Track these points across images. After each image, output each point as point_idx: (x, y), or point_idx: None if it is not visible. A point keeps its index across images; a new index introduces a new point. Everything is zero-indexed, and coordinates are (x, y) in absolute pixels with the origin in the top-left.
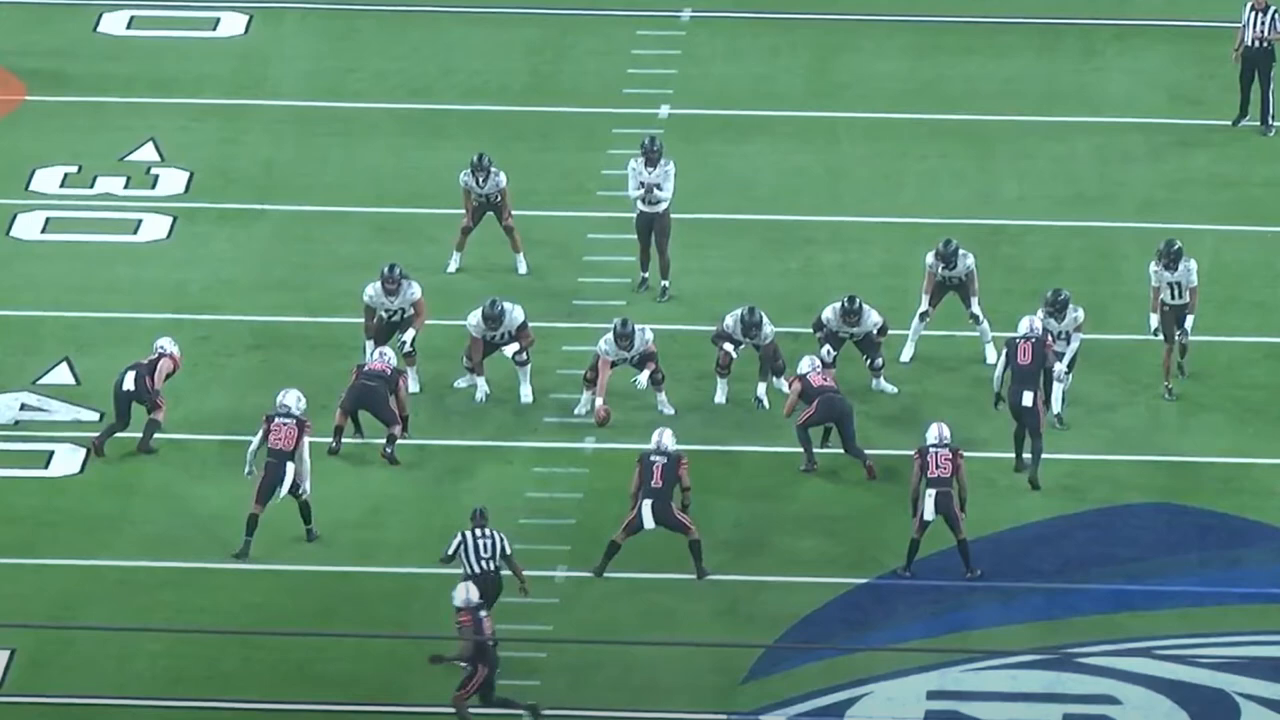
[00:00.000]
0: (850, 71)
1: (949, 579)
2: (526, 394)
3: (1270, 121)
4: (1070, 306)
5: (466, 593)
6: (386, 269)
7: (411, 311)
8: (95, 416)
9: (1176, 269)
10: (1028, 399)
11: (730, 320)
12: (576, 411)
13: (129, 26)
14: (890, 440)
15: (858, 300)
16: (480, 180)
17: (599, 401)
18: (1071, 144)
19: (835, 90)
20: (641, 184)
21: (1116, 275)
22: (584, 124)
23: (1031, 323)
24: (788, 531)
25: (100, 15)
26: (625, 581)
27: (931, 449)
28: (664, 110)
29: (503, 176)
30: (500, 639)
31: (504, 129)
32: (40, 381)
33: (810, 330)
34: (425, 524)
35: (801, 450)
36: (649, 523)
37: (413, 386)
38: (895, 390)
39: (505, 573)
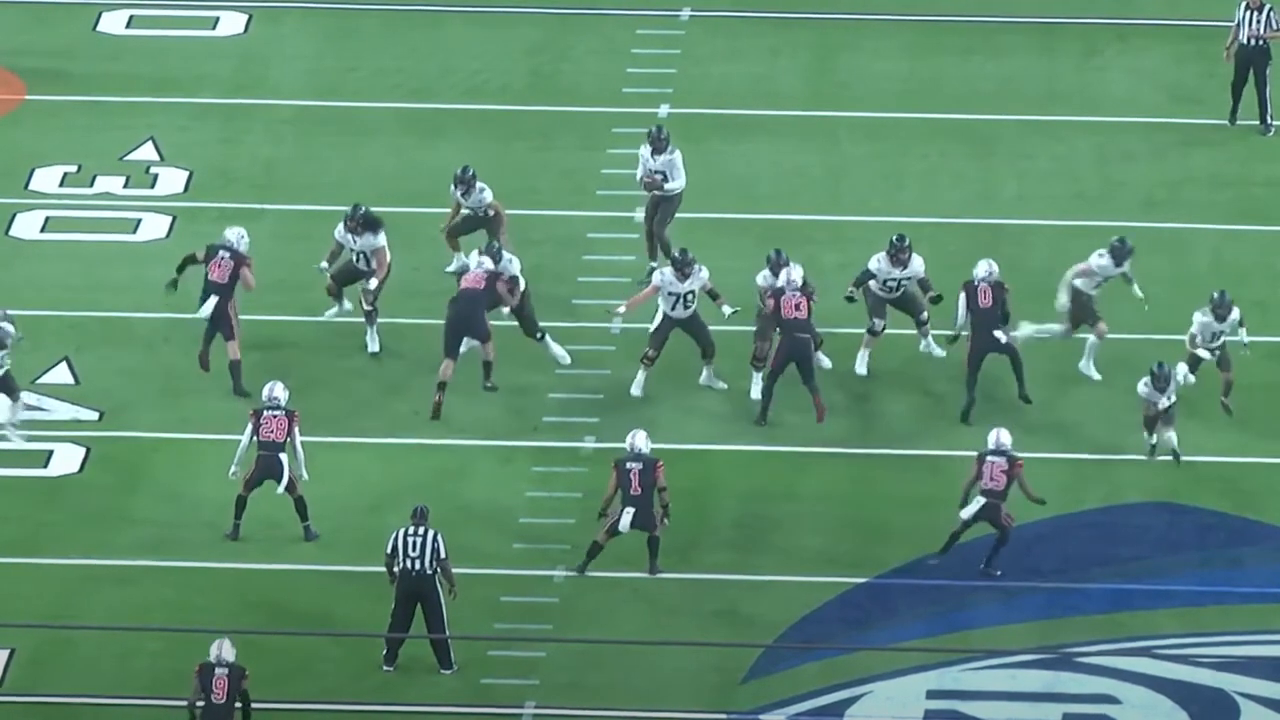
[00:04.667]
0: (850, 71)
1: (949, 578)
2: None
3: (1269, 121)
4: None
5: (219, 650)
6: (351, 208)
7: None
8: (94, 416)
9: (1225, 320)
10: (1000, 335)
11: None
12: (634, 392)
13: (128, 26)
14: (895, 440)
15: (906, 239)
16: (463, 193)
17: (621, 308)
18: (1072, 143)
19: (835, 90)
20: (648, 171)
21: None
22: (584, 123)
23: (989, 266)
24: (787, 531)
25: (100, 14)
26: (625, 581)
27: (989, 458)
28: (664, 110)
29: (488, 193)
30: (499, 637)
31: (504, 128)
32: (40, 380)
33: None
34: None
35: (760, 402)
36: (625, 528)
37: (372, 346)
38: (943, 353)
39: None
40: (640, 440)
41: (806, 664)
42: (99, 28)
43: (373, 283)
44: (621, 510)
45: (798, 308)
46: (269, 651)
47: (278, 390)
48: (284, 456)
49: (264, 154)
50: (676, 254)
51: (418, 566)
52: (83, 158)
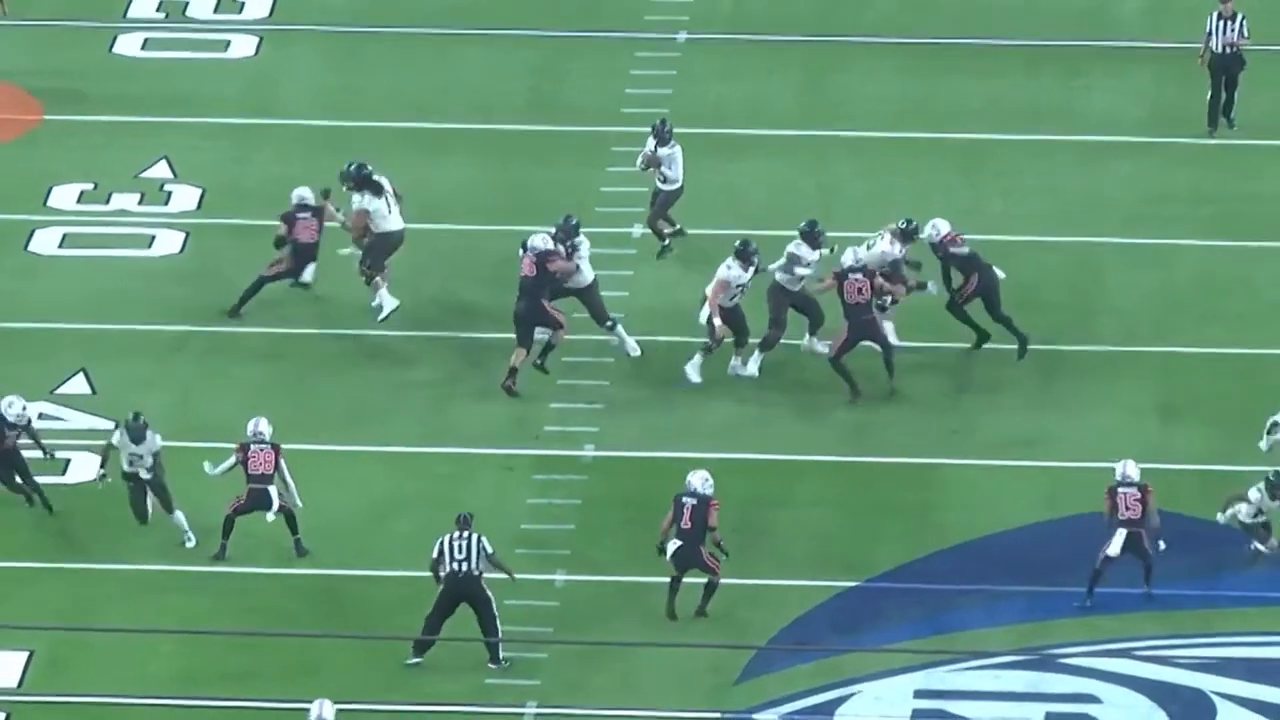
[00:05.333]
0: (841, 91)
1: (935, 583)
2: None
3: (1231, 117)
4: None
5: (320, 710)
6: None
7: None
8: (110, 425)
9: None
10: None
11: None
12: (693, 379)
13: (143, 48)
14: (885, 449)
15: (914, 221)
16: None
17: (718, 322)
18: (1056, 161)
19: (827, 109)
20: (646, 155)
21: (1100, 289)
22: (584, 142)
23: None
24: (781, 537)
25: (115, 37)
26: (622, 585)
27: (1120, 490)
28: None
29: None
30: (502, 639)
31: (506, 146)
32: (57, 391)
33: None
34: (428, 528)
35: (844, 382)
36: (668, 557)
37: (382, 302)
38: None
39: (491, 576)
40: (698, 481)
41: (798, 665)
42: (114, 50)
43: (349, 249)
44: (670, 542)
45: (860, 291)
46: (277, 652)
47: (262, 425)
48: (273, 489)
49: (274, 172)
50: (738, 244)
51: (464, 569)
52: (99, 176)
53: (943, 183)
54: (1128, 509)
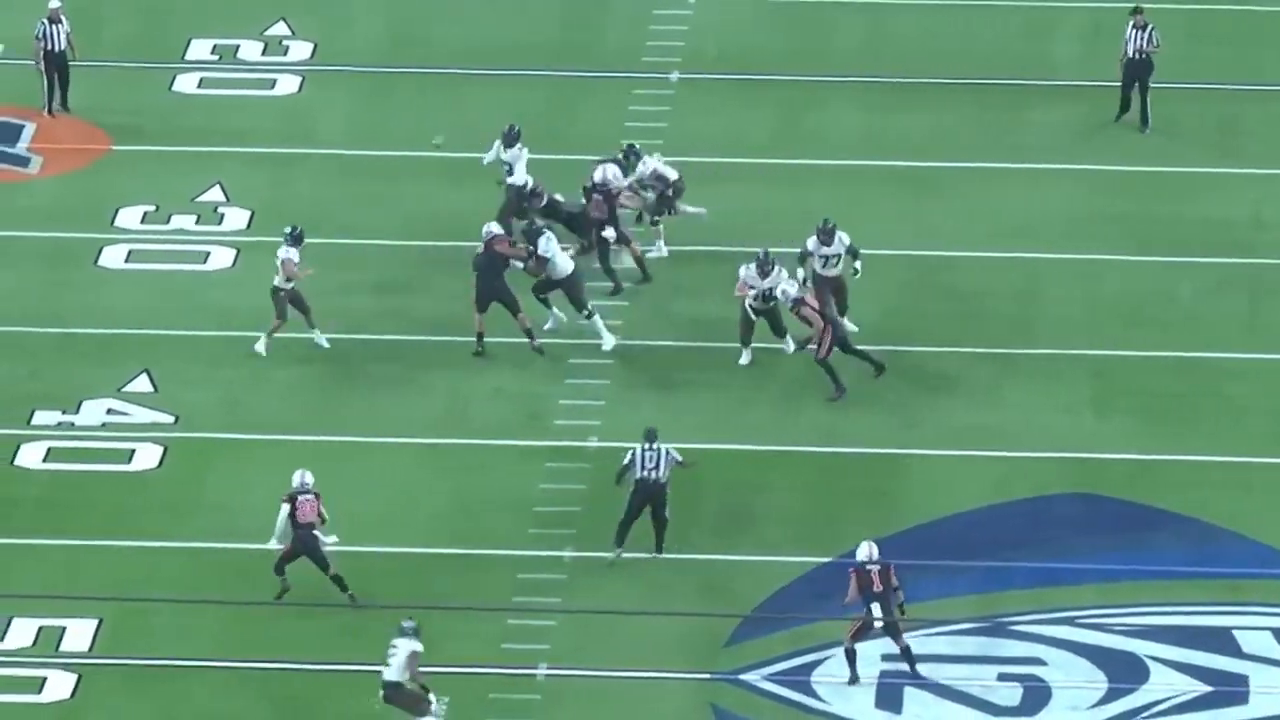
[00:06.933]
0: (812, 124)
1: (897, 559)
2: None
3: (1148, 122)
4: None
5: (301, 477)
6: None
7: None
8: (171, 419)
9: None
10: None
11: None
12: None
13: (199, 86)
14: (853, 441)
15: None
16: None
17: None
18: (999, 185)
19: (800, 140)
20: (498, 159)
21: (1040, 298)
22: (589, 170)
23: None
24: (762, 518)
25: (175, 77)
26: (623, 560)
27: None
28: (656, 156)
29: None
30: (516, 608)
31: None
32: (124, 389)
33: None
34: (453, 507)
35: (830, 379)
36: (877, 623)
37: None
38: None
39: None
40: (875, 550)
41: (778, 632)
42: (174, 88)
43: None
44: (867, 607)
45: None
46: (313, 622)
47: (308, 477)
48: (317, 533)
49: (314, 195)
50: (759, 254)
51: (654, 476)
52: (160, 199)
53: (900, 204)
54: None
